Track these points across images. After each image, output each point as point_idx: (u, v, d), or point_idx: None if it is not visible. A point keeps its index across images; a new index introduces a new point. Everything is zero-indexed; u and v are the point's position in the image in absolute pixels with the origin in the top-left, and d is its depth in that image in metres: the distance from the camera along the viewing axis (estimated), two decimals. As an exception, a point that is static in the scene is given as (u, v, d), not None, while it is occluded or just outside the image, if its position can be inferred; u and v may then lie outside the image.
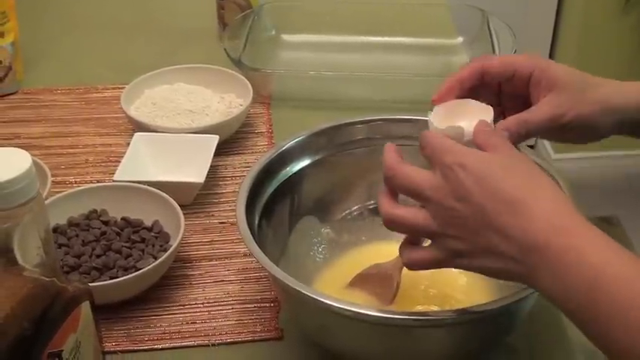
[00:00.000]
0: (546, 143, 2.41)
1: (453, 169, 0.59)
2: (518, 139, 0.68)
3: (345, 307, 0.65)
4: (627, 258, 0.54)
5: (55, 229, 0.83)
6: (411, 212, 0.62)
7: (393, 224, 0.63)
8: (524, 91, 0.71)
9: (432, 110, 0.70)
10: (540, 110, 0.69)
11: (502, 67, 0.71)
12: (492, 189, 0.57)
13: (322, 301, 0.65)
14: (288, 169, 0.81)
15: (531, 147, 2.45)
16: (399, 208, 0.63)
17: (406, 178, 0.62)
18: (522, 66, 0.71)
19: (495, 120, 0.67)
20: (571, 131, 0.71)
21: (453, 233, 0.59)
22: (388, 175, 0.63)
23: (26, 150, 0.54)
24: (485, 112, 0.67)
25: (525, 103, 0.71)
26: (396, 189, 0.63)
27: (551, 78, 0.70)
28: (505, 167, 0.59)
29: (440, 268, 0.63)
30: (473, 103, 0.69)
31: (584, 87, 0.70)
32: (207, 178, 0.91)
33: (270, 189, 0.78)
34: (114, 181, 0.90)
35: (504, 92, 0.74)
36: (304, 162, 0.82)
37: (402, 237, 0.81)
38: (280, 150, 0.81)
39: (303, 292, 0.65)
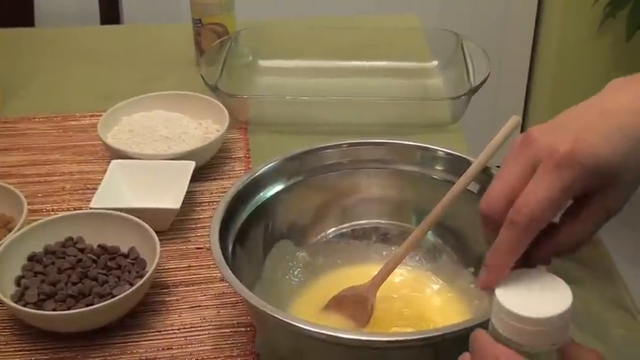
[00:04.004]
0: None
1: None
2: None
3: (319, 331, 0.65)
4: None
5: (31, 257, 0.84)
6: None
7: None
8: None
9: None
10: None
11: None
12: None
13: (295, 325, 0.65)
14: (261, 194, 0.82)
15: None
16: None
17: None
18: None
19: None
20: None
21: None
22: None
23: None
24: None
25: None
26: None
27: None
28: None
29: None
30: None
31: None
32: (183, 203, 0.92)
33: (244, 214, 0.79)
34: (90, 208, 0.90)
35: None
36: (278, 187, 0.83)
37: (376, 260, 0.84)
38: (254, 175, 0.81)
39: (277, 316, 0.66)
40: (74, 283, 0.80)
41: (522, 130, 2.43)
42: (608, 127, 0.53)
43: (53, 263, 0.83)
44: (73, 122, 1.14)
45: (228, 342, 0.78)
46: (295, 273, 0.83)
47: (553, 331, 0.51)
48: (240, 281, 0.69)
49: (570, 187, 0.52)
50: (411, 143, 0.85)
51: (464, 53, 1.20)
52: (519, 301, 0.52)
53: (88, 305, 0.78)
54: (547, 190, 0.52)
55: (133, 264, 0.83)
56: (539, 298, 0.52)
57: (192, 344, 0.78)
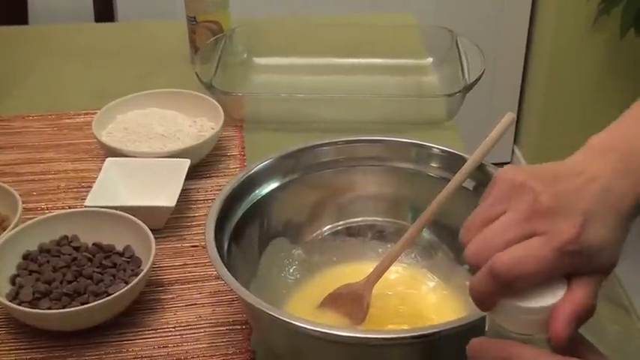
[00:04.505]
0: (521, 158, 2.43)
1: None
2: None
3: (315, 328, 0.65)
4: None
5: (26, 256, 0.83)
6: None
7: None
8: None
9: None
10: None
11: None
12: None
13: (291, 323, 0.65)
14: (257, 191, 0.82)
15: (507, 163, 2.47)
16: None
17: None
18: None
19: None
20: None
21: None
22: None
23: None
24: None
25: None
26: None
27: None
28: None
29: None
30: None
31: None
32: (178, 201, 0.91)
33: (239, 212, 0.79)
34: (85, 206, 0.90)
35: None
36: (273, 184, 0.83)
37: (371, 258, 0.83)
38: (249, 173, 0.81)
39: (272, 313, 0.66)
40: (69, 282, 0.80)
41: (517, 128, 2.44)
42: (610, 215, 0.53)
43: (48, 262, 0.83)
44: (67, 120, 1.14)
45: (224, 340, 0.78)
46: (291, 271, 0.83)
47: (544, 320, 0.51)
48: (236, 279, 0.69)
49: (565, 268, 0.52)
50: (406, 140, 0.85)
51: (459, 50, 1.20)
52: (518, 291, 0.52)
53: (83, 304, 0.77)
54: (541, 266, 0.51)
55: (128, 262, 0.83)
56: (536, 288, 0.52)
57: (187, 342, 0.78)
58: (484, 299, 0.53)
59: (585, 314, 0.52)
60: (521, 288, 0.52)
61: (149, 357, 0.77)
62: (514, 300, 0.52)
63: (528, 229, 0.52)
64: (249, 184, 0.81)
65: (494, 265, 0.51)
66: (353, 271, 0.82)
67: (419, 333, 0.66)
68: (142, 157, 0.99)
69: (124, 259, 0.84)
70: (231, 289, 0.69)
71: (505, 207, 0.54)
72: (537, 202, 0.52)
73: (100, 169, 0.97)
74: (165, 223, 0.92)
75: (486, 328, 0.55)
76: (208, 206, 0.95)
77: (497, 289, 0.52)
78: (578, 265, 0.52)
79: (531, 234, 0.52)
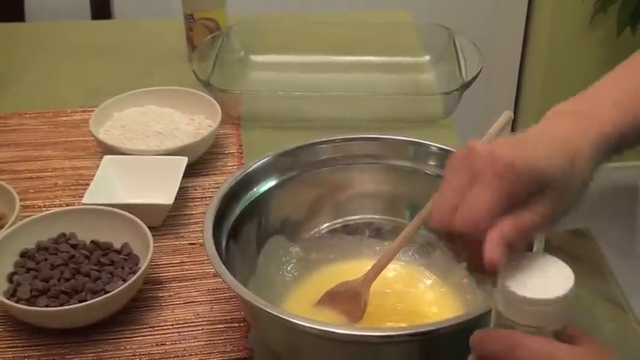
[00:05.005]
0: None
1: None
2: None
3: (312, 326, 0.65)
4: None
5: (24, 254, 0.83)
6: None
7: None
8: None
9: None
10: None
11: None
12: None
13: (289, 320, 0.65)
14: (255, 189, 0.82)
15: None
16: None
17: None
18: None
19: None
20: None
21: None
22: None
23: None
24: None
25: None
26: None
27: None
28: None
29: None
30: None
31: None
32: (176, 199, 0.92)
33: (237, 210, 0.79)
34: (83, 204, 0.90)
35: None
36: (271, 182, 0.83)
37: (369, 256, 0.84)
38: (247, 171, 0.82)
39: (270, 311, 0.66)
40: (67, 280, 0.80)
41: (513, 126, 2.44)
42: (542, 140, 0.58)
43: (46, 259, 0.83)
44: (64, 118, 1.14)
45: (222, 337, 0.78)
46: (289, 268, 0.84)
47: (554, 310, 0.52)
48: (234, 277, 0.69)
49: (512, 194, 0.55)
50: (404, 138, 0.85)
51: (456, 48, 1.20)
52: (525, 284, 0.53)
53: (80, 301, 0.78)
54: (491, 199, 0.54)
55: (125, 260, 0.83)
56: (543, 280, 0.53)
57: (185, 340, 0.78)
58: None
59: (523, 231, 0.54)
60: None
61: (147, 354, 0.77)
62: (521, 292, 0.52)
63: (467, 172, 0.56)
64: (247, 182, 0.81)
65: (458, 225, 0.54)
66: (351, 269, 0.82)
67: (416, 331, 0.66)
68: (139, 154, 0.99)
69: (121, 256, 0.84)
70: (229, 287, 0.69)
71: (468, 174, 0.56)
72: (470, 148, 0.57)
73: (98, 166, 0.97)
74: (163, 221, 0.92)
75: (492, 325, 0.55)
76: (206, 204, 0.95)
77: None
78: (528, 190, 0.55)
79: (472, 177, 0.55)
